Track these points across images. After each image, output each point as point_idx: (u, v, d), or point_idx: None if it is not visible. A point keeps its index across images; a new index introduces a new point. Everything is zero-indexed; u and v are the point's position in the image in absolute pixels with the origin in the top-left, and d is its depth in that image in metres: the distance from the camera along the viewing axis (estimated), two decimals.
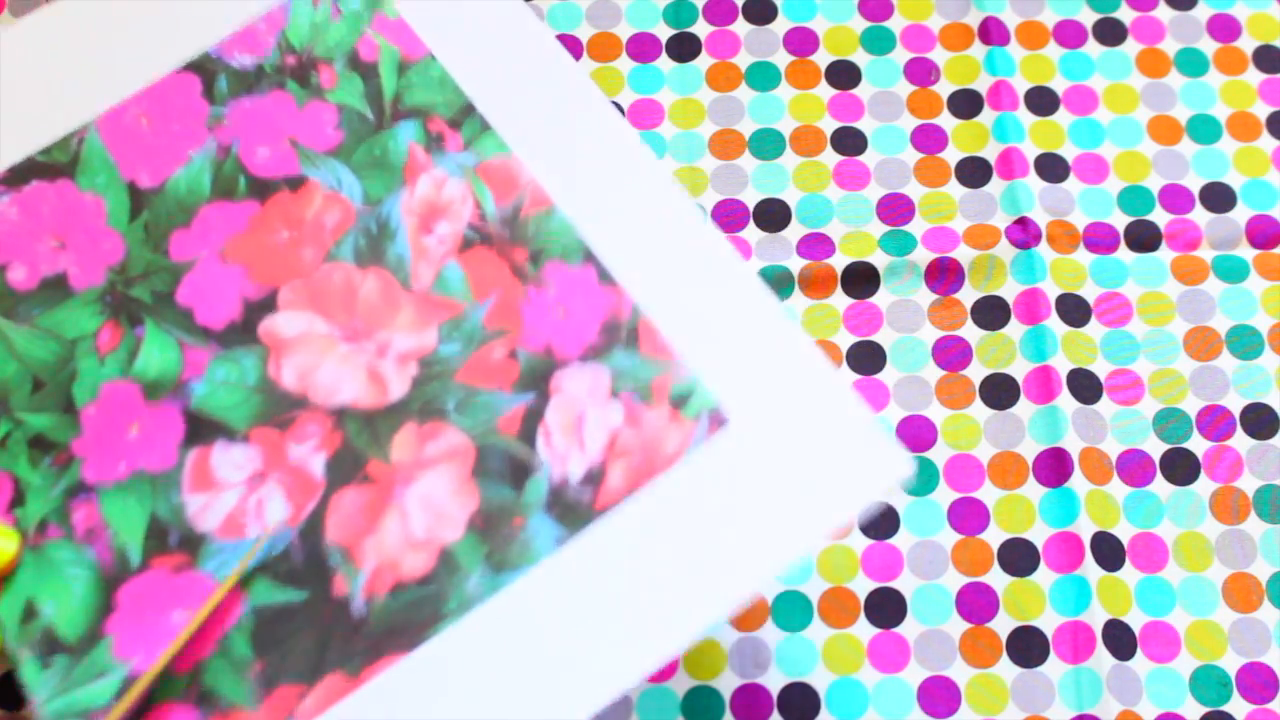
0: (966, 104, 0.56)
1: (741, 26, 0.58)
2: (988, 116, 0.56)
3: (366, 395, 0.42)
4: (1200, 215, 0.54)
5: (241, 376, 0.42)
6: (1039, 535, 0.49)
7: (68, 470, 0.41)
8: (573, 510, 0.40)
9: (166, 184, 0.45)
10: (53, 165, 0.45)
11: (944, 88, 0.57)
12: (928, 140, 0.56)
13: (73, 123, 0.46)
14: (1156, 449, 0.50)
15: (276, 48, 0.46)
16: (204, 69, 0.46)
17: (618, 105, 0.56)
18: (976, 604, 0.48)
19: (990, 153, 0.55)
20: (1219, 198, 0.55)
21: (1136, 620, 0.48)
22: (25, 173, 0.45)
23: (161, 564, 0.39)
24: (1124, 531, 0.49)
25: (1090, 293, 0.53)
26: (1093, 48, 0.58)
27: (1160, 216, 0.54)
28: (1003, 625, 0.48)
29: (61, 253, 0.44)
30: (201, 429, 0.41)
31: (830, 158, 0.56)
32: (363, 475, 0.41)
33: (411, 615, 0.39)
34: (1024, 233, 0.53)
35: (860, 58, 0.57)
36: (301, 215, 0.44)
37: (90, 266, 0.44)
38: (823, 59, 0.58)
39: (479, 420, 0.42)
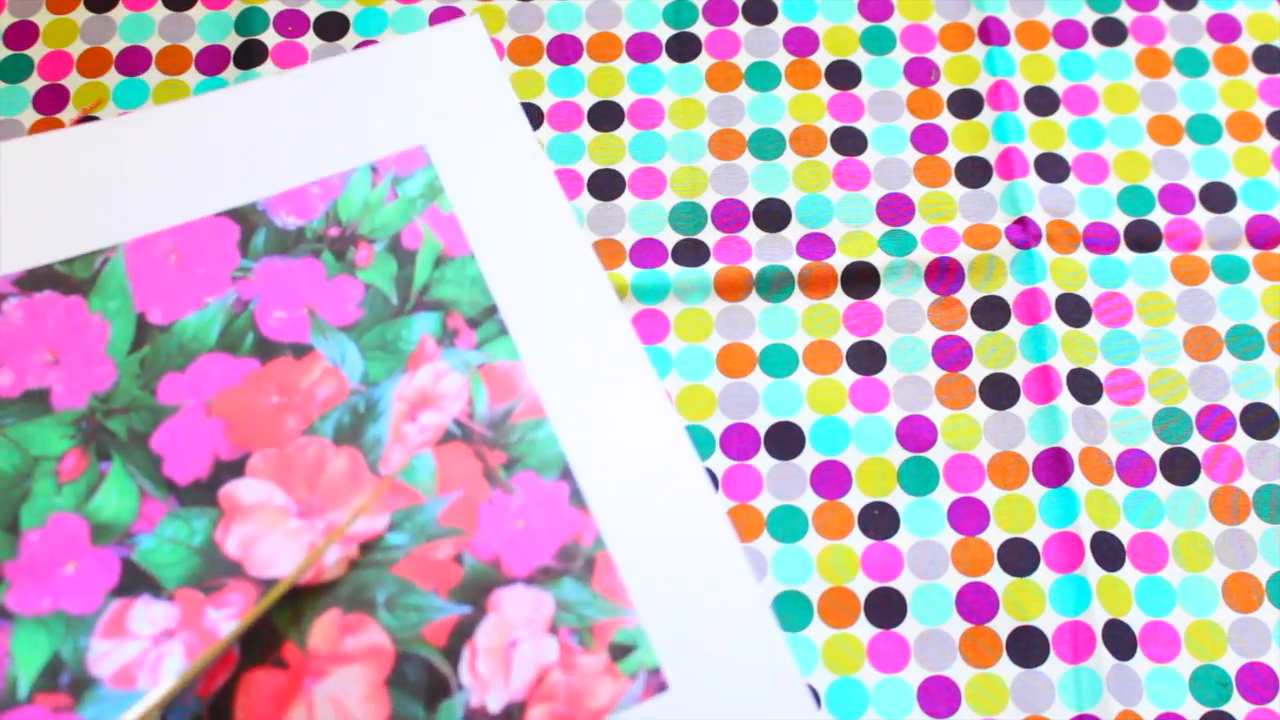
0: (966, 104, 0.56)
1: (741, 26, 0.58)
2: (988, 116, 0.56)
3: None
4: (1200, 215, 0.54)
5: (189, 537, 0.41)
6: (1039, 535, 0.49)
7: None
8: None
9: (175, 325, 0.44)
10: (71, 279, 0.44)
11: (944, 88, 0.57)
12: (928, 140, 0.56)
13: (103, 240, 0.44)
14: (1156, 449, 0.50)
15: (324, 215, 0.45)
16: (246, 219, 0.45)
17: (617, 105, 0.56)
18: (976, 604, 0.48)
19: (990, 153, 0.55)
20: (1219, 198, 0.55)
21: (1136, 620, 0.48)
22: (42, 280, 0.44)
23: (44, 701, 0.38)
24: (1124, 531, 0.49)
25: (1090, 293, 0.53)
26: (1093, 48, 0.58)
27: (1160, 216, 0.54)
28: (1003, 625, 0.48)
29: (52, 368, 0.43)
30: (133, 581, 0.40)
31: (830, 158, 0.56)
32: (276, 658, 0.40)
33: None
34: (1024, 233, 0.53)
35: (860, 58, 0.57)
36: (297, 383, 0.43)
37: (76, 388, 0.43)
38: (823, 59, 0.58)
39: (406, 622, 0.41)
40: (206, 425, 0.42)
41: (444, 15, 0.58)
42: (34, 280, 0.44)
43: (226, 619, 0.40)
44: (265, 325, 0.44)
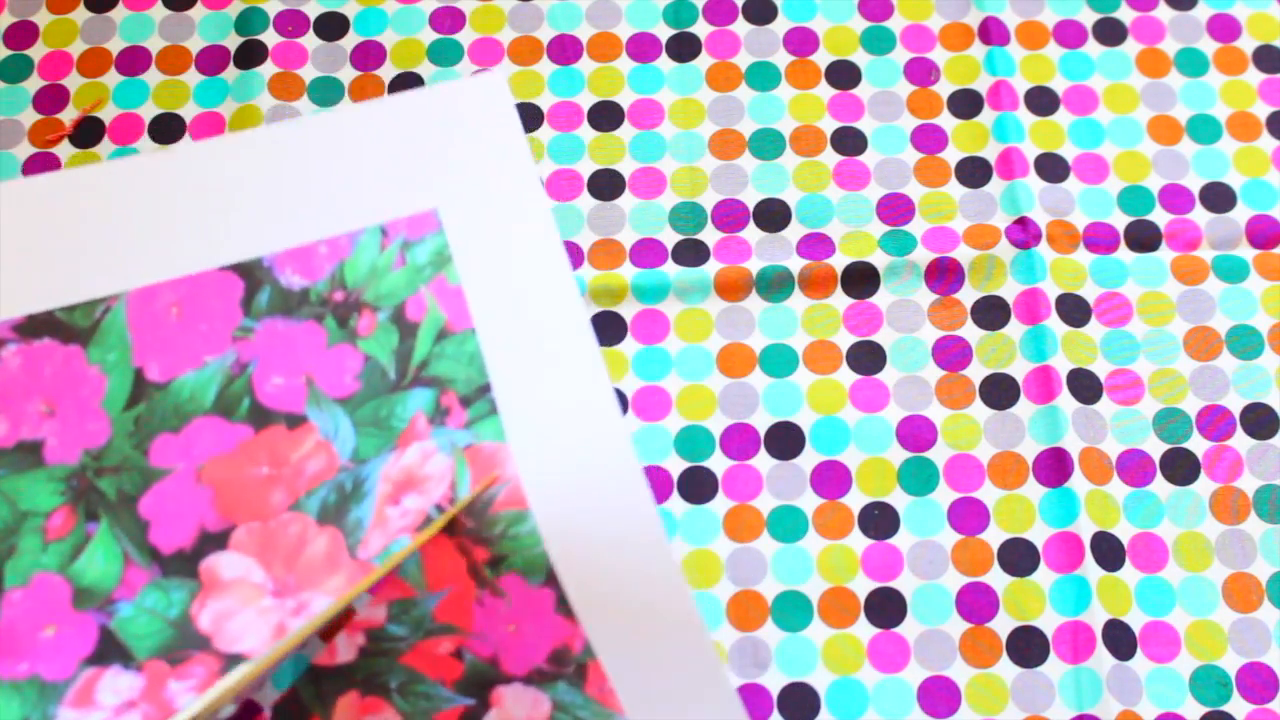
0: (966, 104, 0.56)
1: (741, 26, 0.58)
2: (988, 116, 0.56)
3: (265, 646, 0.41)
4: (1200, 215, 0.54)
5: (166, 609, 0.41)
6: (1039, 535, 0.49)
7: None
8: None
9: (173, 383, 0.43)
10: (71, 328, 0.43)
11: (944, 88, 0.57)
12: (928, 140, 0.56)
13: (105, 287, 0.43)
14: (1156, 449, 0.50)
15: (330, 278, 0.44)
16: (251, 275, 0.44)
17: (617, 105, 0.56)
18: (976, 604, 0.48)
19: (990, 153, 0.55)
20: (1219, 198, 0.55)
21: (1136, 620, 0.48)
22: (41, 327, 0.43)
23: None
24: (1124, 531, 0.49)
25: (1090, 293, 0.53)
26: (1093, 48, 0.58)
27: (1160, 216, 0.54)
28: (1003, 625, 0.48)
29: (47, 420, 0.42)
30: (107, 650, 0.40)
31: (830, 158, 0.55)
32: None
33: None
34: (1024, 233, 0.53)
35: (860, 58, 0.57)
36: (288, 455, 0.43)
37: (69, 443, 0.42)
38: (823, 59, 0.57)
39: (418, 708, 0.42)
40: (195, 493, 0.42)
41: (443, 15, 0.58)
42: (33, 327, 0.43)
43: (186, 690, 0.40)
44: (262, 391, 0.43)
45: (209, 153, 0.46)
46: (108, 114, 0.55)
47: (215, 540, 0.41)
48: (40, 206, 0.45)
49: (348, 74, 0.56)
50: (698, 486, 0.50)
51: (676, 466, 0.50)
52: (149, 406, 0.43)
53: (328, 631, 0.41)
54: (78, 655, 0.40)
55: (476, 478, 0.43)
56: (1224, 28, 0.58)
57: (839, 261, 0.53)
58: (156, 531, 0.41)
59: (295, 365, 0.43)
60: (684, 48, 0.58)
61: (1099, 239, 0.54)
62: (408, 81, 0.56)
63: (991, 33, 0.57)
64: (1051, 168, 0.55)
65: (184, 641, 0.40)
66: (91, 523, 0.41)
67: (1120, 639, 0.47)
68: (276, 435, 0.43)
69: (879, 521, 0.50)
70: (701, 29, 0.58)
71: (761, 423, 0.51)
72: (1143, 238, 0.54)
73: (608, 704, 0.42)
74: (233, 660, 0.40)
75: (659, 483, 0.50)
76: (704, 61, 0.57)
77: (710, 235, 0.54)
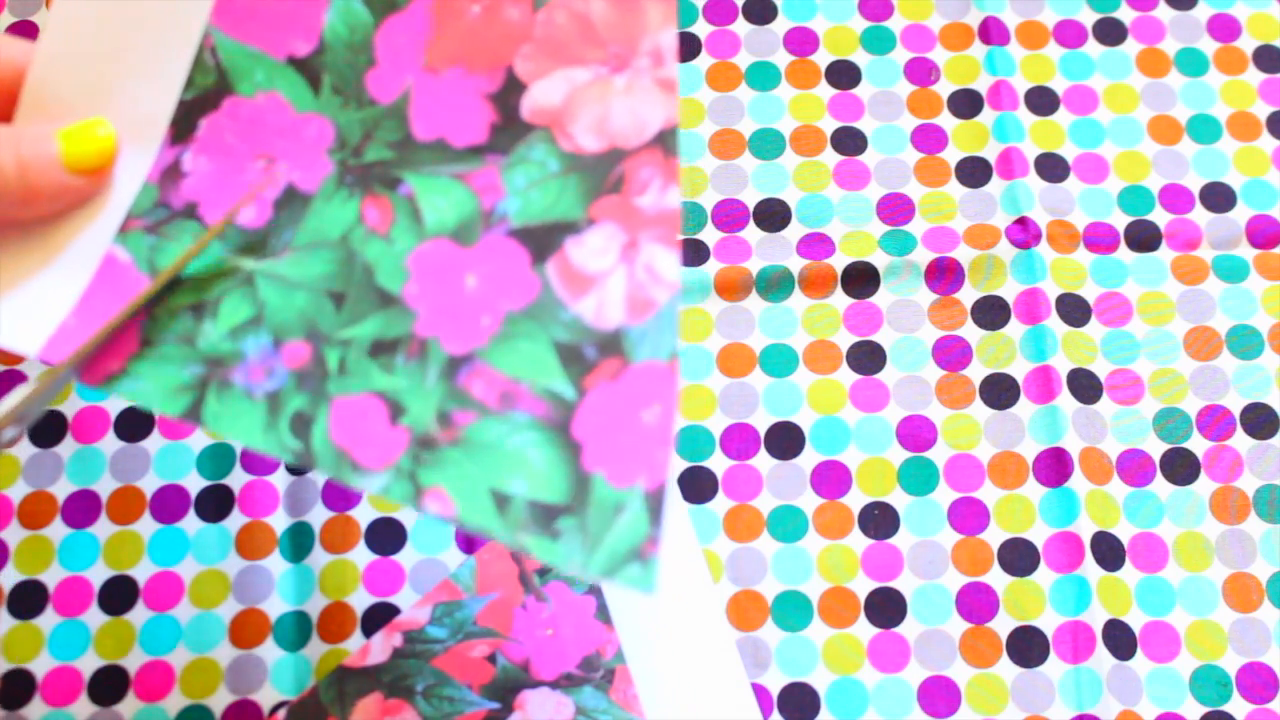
0: (966, 104, 0.56)
1: (741, 26, 0.58)
2: (988, 116, 0.56)
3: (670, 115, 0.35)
4: (1200, 215, 0.54)
5: (543, 169, 0.36)
6: (1039, 535, 0.49)
7: (428, 356, 0.35)
8: None
9: (324, 37, 0.38)
10: (206, 94, 0.38)
11: (944, 88, 0.57)
12: (928, 140, 0.56)
13: (190, 36, 0.38)
14: (1156, 449, 0.50)
15: None
16: None
17: None
18: (976, 604, 0.48)
19: (990, 153, 0.55)
20: (1219, 198, 0.55)
21: (1136, 620, 0.48)
22: (187, 117, 0.38)
23: (596, 380, 0.33)
24: (1124, 531, 0.49)
25: (1090, 293, 0.53)
26: (1093, 48, 0.58)
27: (1160, 216, 0.54)
28: (1003, 625, 0.48)
29: (274, 166, 0.38)
30: (541, 241, 0.35)
31: (830, 157, 0.55)
32: None
33: None
34: (1024, 232, 0.53)
35: (860, 58, 0.57)
36: None
37: (311, 162, 0.37)
38: (823, 59, 0.58)
39: (440, 711, 0.41)
40: (447, 82, 0.37)
41: None
42: (182, 124, 0.38)
43: (656, 191, 0.35)
44: None
45: None
46: None
47: (509, 92, 0.37)
48: None
49: None
50: (698, 486, 0.50)
51: (676, 466, 0.50)
52: (332, 72, 0.38)
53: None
54: (520, 266, 0.35)
55: None
56: (1224, 28, 0.58)
57: (839, 261, 0.53)
58: (456, 135, 0.37)
59: None
60: (684, 48, 0.58)
61: (1099, 239, 0.54)
62: None
63: (991, 33, 0.57)
64: (1051, 168, 0.55)
65: (598, 167, 0.36)
66: (400, 187, 0.37)
67: (1120, 639, 0.47)
68: None
69: (879, 521, 0.50)
70: (701, 29, 0.58)
71: (761, 422, 0.51)
72: (1143, 238, 0.54)
73: (631, 710, 0.42)
74: (660, 142, 0.35)
75: None
76: (704, 61, 0.57)
77: (710, 235, 0.54)
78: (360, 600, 0.48)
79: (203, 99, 0.38)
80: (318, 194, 0.37)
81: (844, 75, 0.57)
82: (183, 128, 0.38)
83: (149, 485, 0.50)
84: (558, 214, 0.35)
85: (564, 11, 0.37)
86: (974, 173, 0.55)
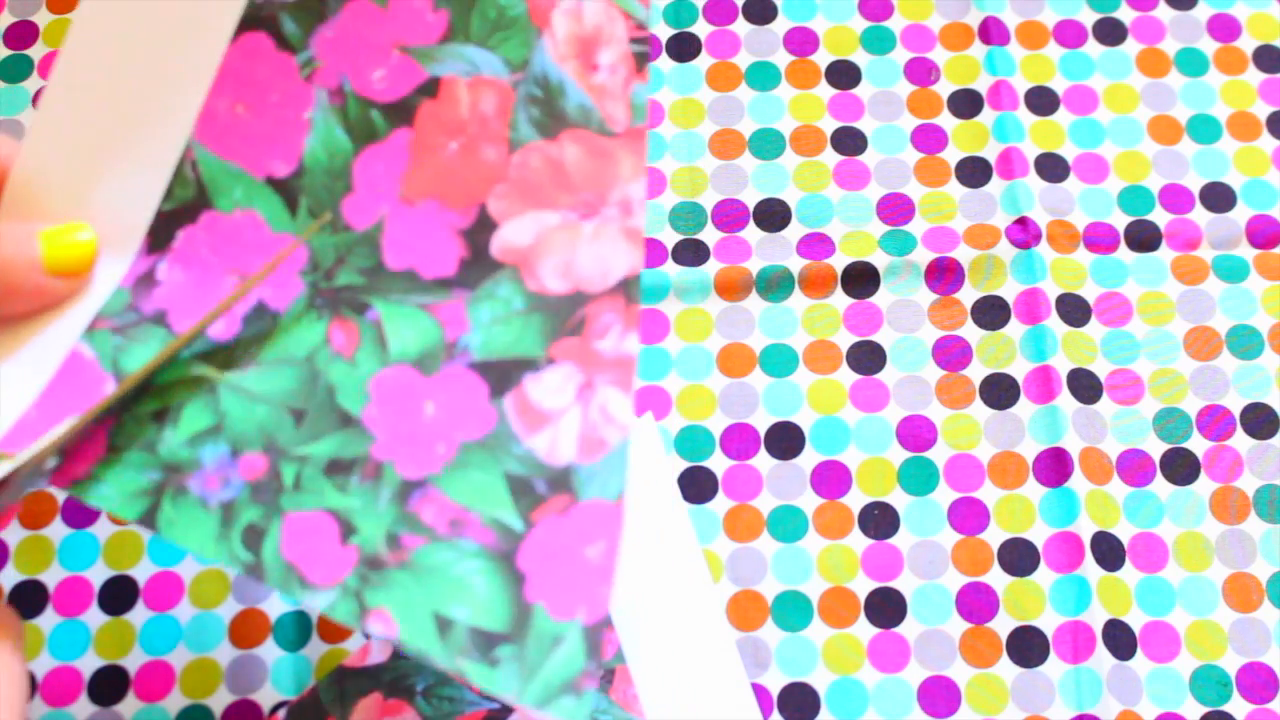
0: (966, 104, 0.56)
1: (741, 26, 0.58)
2: (988, 116, 0.56)
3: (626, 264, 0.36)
4: (1200, 215, 0.54)
5: (507, 306, 0.36)
6: (1039, 535, 0.49)
7: (382, 478, 0.35)
8: None
9: (304, 161, 0.38)
10: (185, 207, 0.38)
11: (944, 88, 0.57)
12: (928, 140, 0.56)
13: (173, 148, 0.38)
14: (1156, 449, 0.50)
15: None
16: (261, 20, 0.38)
17: None
18: (976, 604, 0.48)
19: (990, 153, 0.55)
20: (1219, 198, 0.55)
21: (1136, 620, 0.48)
22: (165, 227, 0.38)
23: (545, 514, 0.34)
24: (1124, 531, 0.49)
25: (1090, 293, 0.53)
26: (1093, 48, 0.58)
27: (1160, 216, 0.54)
28: (1003, 625, 0.48)
29: (244, 283, 0.38)
30: (501, 375, 0.36)
31: (830, 158, 0.55)
32: None
33: None
34: (1024, 233, 0.53)
35: (860, 58, 0.57)
36: (457, 117, 0.38)
37: (282, 281, 0.38)
38: (823, 59, 0.58)
39: (440, 711, 0.41)
40: (421, 214, 0.38)
41: None
42: (159, 234, 0.38)
43: (614, 328, 0.36)
44: (375, 93, 0.38)
45: None
46: None
47: (481, 229, 0.37)
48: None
49: None
50: (698, 486, 0.50)
51: (676, 466, 0.50)
52: (309, 195, 0.38)
53: None
54: (478, 398, 0.36)
55: None
56: (1224, 28, 0.58)
57: (839, 261, 0.53)
58: (426, 266, 0.37)
59: (376, 48, 0.39)
60: (684, 48, 0.58)
61: (1099, 239, 0.54)
62: None
63: (991, 33, 0.57)
64: (1051, 168, 0.55)
65: (560, 308, 0.37)
66: (368, 312, 0.38)
67: (1120, 639, 0.47)
68: (429, 112, 0.38)
69: (879, 521, 0.50)
70: (701, 29, 0.58)
71: (761, 422, 0.51)
72: (1143, 238, 0.54)
73: (631, 710, 0.42)
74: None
75: None
76: (704, 61, 0.57)
77: (710, 235, 0.54)
78: None
79: (181, 211, 0.38)
80: (287, 313, 0.38)
81: (844, 75, 0.57)
82: (160, 237, 0.38)
83: None
84: (519, 351, 0.36)
85: (539, 155, 0.37)
86: (974, 173, 0.55)
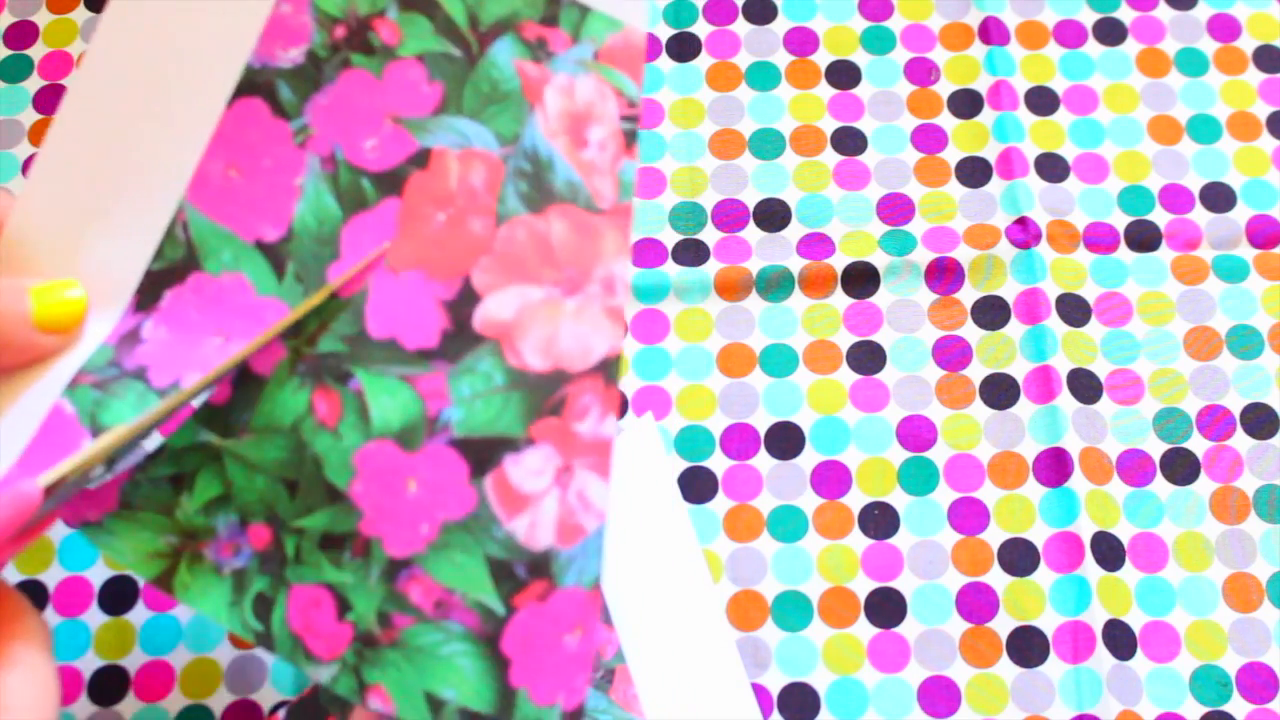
0: (966, 104, 0.56)
1: (741, 26, 0.58)
2: (988, 116, 0.56)
3: (611, 343, 0.37)
4: (1200, 215, 0.54)
5: (488, 382, 0.37)
6: (1039, 535, 0.49)
7: (371, 555, 0.36)
8: None
9: (293, 226, 0.39)
10: (173, 267, 0.38)
11: (944, 88, 0.57)
12: (928, 140, 0.56)
13: (165, 208, 0.39)
14: (1156, 449, 0.50)
15: (316, 25, 0.39)
16: (257, 85, 0.39)
17: None
18: (976, 604, 0.48)
19: (990, 153, 0.55)
20: (1219, 198, 0.55)
21: (1136, 620, 0.48)
22: (153, 288, 0.38)
23: (526, 599, 0.35)
24: (1124, 531, 0.49)
25: (1090, 293, 0.53)
26: (1093, 48, 0.58)
27: (1160, 216, 0.54)
28: (1003, 625, 0.48)
29: (230, 345, 0.38)
30: (481, 454, 0.36)
31: (830, 158, 0.55)
32: None
33: None
34: (1024, 233, 0.53)
35: (860, 58, 0.57)
36: (446, 189, 0.38)
37: (265, 345, 0.38)
38: (823, 59, 0.58)
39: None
40: (406, 284, 0.38)
41: None
42: (146, 293, 0.39)
43: (593, 422, 0.37)
44: (366, 162, 0.39)
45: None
46: None
47: (465, 301, 0.38)
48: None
49: None
50: (698, 486, 0.50)
51: (676, 466, 0.50)
52: (296, 260, 0.39)
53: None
54: (459, 478, 0.37)
55: (628, 69, 0.38)
56: (1224, 28, 0.58)
57: (839, 261, 0.53)
58: (408, 337, 0.38)
59: (369, 117, 0.39)
60: (684, 48, 0.58)
61: (1099, 239, 0.54)
62: None
63: (991, 33, 0.57)
64: (1051, 168, 0.55)
65: (541, 385, 0.37)
66: (350, 382, 0.38)
67: (1120, 639, 0.47)
68: (419, 183, 0.38)
69: (879, 521, 0.50)
70: (701, 29, 0.58)
71: (761, 422, 0.51)
72: (1143, 238, 0.54)
73: (631, 710, 0.42)
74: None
75: None
76: (704, 61, 0.57)
77: (710, 235, 0.54)
78: None
79: (170, 271, 0.38)
80: (271, 378, 0.38)
81: (844, 75, 0.57)
82: (147, 296, 0.38)
83: None
84: (499, 429, 0.36)
85: (525, 229, 0.38)
86: (974, 173, 0.55)
